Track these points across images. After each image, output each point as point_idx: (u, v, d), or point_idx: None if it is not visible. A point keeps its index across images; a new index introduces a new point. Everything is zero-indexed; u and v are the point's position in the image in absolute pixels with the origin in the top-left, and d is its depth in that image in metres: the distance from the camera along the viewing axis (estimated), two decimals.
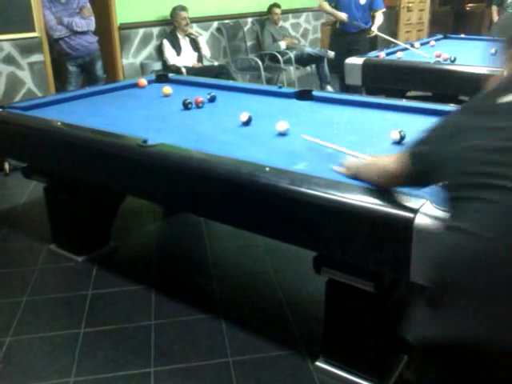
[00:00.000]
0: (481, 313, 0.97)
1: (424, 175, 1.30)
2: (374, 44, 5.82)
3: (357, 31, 5.33)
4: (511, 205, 0.98)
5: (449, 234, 1.08)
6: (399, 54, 4.35)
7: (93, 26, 4.71)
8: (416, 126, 2.30)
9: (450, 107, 2.23)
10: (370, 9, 5.36)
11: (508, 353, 0.94)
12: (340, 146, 1.97)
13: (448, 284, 1.02)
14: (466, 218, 1.04)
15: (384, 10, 5.52)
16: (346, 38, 5.37)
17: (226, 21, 6.26)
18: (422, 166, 1.29)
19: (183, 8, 5.40)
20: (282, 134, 2.25)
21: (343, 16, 5.19)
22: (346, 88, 4.59)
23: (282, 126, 2.25)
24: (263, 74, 6.02)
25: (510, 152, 1.02)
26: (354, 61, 4.11)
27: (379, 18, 5.44)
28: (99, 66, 4.85)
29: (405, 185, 1.49)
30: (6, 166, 4.06)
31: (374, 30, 5.39)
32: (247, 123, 2.40)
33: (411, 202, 1.50)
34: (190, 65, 5.39)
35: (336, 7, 5.30)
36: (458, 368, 1.03)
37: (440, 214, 1.41)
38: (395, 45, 5.11)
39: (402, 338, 1.13)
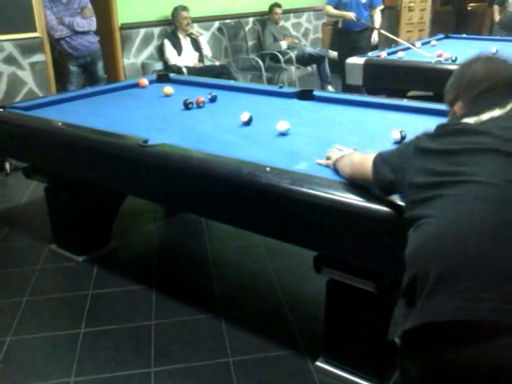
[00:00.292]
0: (451, 294, 1.03)
1: (386, 180, 1.38)
2: (375, 43, 5.85)
3: (360, 30, 5.36)
4: (478, 196, 1.08)
5: (415, 231, 1.16)
6: (400, 54, 4.34)
7: (94, 26, 4.71)
8: (417, 125, 2.31)
9: None
10: (370, 6, 5.40)
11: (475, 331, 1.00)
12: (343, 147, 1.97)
13: (418, 274, 1.09)
14: (431, 212, 1.12)
15: (382, 7, 5.58)
16: (348, 37, 5.41)
17: (227, 21, 6.26)
18: (384, 170, 1.38)
19: (184, 8, 5.40)
20: (283, 134, 2.24)
21: (351, 15, 5.23)
22: (348, 88, 4.60)
23: (282, 125, 2.24)
24: (264, 73, 6.02)
25: (467, 153, 1.15)
26: (355, 61, 4.11)
27: (378, 16, 5.50)
28: (100, 66, 4.86)
29: (367, 182, 1.54)
30: (7, 165, 4.06)
31: (375, 36, 5.48)
32: (248, 123, 2.40)
33: None
34: (191, 65, 5.39)
35: (337, 8, 5.33)
36: (431, 364, 1.06)
37: None
38: (396, 44, 5.12)
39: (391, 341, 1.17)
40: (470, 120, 1.25)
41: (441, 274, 1.04)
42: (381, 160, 1.42)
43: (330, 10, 5.38)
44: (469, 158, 1.14)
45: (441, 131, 1.27)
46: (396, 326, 1.16)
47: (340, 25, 5.50)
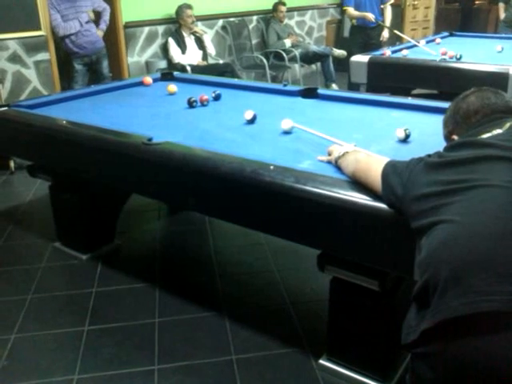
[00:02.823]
0: (461, 291, 1.03)
1: (394, 191, 1.39)
2: (385, 41, 5.91)
3: (374, 26, 5.50)
4: (488, 198, 1.11)
5: (427, 239, 1.17)
6: (405, 52, 4.33)
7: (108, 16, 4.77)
8: (421, 124, 2.31)
9: None
10: (381, 2, 5.50)
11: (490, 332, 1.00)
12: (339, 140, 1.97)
13: (431, 276, 1.10)
14: (443, 218, 1.14)
15: (392, 1, 5.66)
16: (362, 33, 5.53)
17: (231, 19, 6.25)
18: (395, 181, 1.39)
19: (189, 6, 5.40)
20: (287, 132, 2.24)
21: (370, 16, 5.38)
22: (357, 86, 4.61)
23: (286, 124, 2.24)
24: (268, 72, 6.01)
25: (476, 162, 1.20)
26: (360, 59, 4.10)
27: (389, 11, 5.60)
28: (105, 64, 4.87)
29: (368, 186, 1.54)
30: (12, 164, 4.08)
31: (385, 34, 5.56)
32: (252, 121, 2.40)
33: None
34: (195, 63, 5.39)
35: (354, 7, 5.46)
36: (447, 364, 1.06)
37: None
38: (401, 42, 5.13)
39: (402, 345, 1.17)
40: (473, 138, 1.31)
41: (453, 272, 1.05)
42: (393, 171, 1.41)
43: (352, 12, 5.50)
44: (477, 166, 1.18)
45: (448, 146, 1.34)
46: (410, 329, 1.16)
47: (354, 22, 5.58)
